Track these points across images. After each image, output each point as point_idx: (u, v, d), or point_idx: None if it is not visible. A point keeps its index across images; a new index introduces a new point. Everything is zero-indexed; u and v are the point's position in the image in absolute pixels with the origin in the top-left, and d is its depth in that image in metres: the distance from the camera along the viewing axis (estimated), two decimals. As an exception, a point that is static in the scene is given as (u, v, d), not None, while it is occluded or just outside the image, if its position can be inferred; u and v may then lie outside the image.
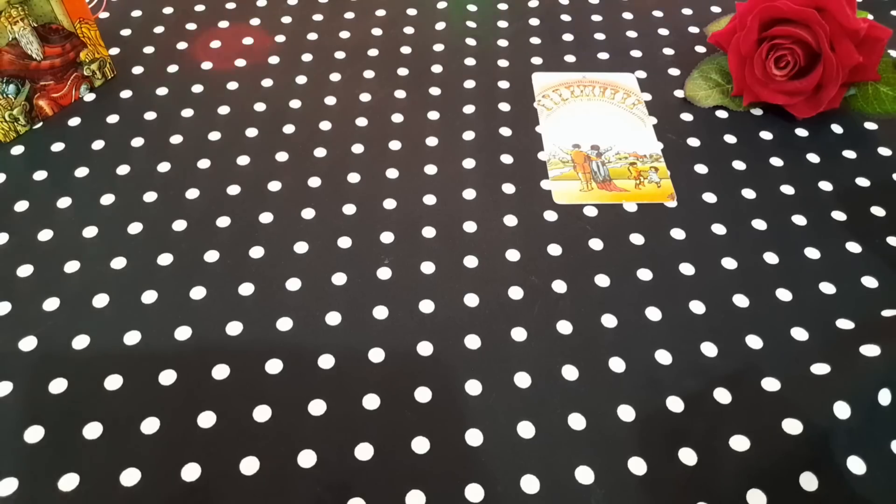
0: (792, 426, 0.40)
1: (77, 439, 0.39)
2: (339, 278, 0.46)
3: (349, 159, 0.54)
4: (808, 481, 0.38)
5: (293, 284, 0.46)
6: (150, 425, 0.40)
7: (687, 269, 0.47)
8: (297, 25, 0.64)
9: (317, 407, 0.41)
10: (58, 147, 0.53)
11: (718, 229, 0.50)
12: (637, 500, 0.38)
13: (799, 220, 0.50)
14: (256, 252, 0.48)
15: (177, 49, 0.62)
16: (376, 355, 0.43)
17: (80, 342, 0.43)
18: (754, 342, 0.44)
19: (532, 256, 0.48)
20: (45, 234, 0.48)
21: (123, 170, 0.52)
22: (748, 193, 0.52)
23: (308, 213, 0.50)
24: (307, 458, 0.39)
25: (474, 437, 0.40)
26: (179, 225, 0.49)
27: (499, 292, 0.46)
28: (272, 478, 0.38)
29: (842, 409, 0.40)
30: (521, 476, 0.38)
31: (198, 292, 0.45)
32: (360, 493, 0.38)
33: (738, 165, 0.54)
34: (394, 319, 0.44)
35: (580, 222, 0.50)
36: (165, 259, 0.47)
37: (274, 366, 0.42)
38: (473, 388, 0.42)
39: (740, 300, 0.46)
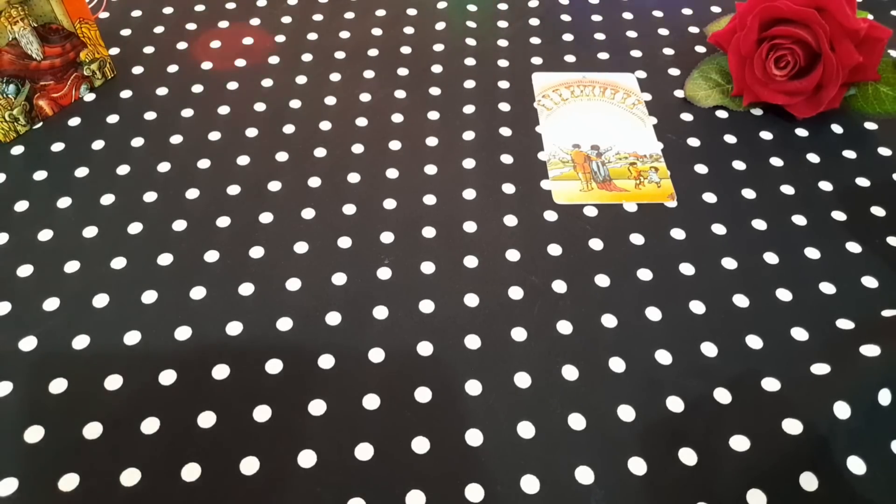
0: (792, 426, 0.40)
1: (77, 439, 0.39)
2: (339, 278, 0.46)
3: (349, 159, 0.54)
4: (808, 481, 0.38)
5: (293, 284, 0.46)
6: (150, 425, 0.40)
7: (687, 269, 0.47)
8: (297, 25, 0.64)
9: (317, 407, 0.41)
10: (58, 147, 0.53)
11: (718, 229, 0.50)
12: (637, 500, 0.38)
13: (799, 220, 0.50)
14: (256, 252, 0.48)
15: (177, 49, 0.62)
16: (376, 355, 0.43)
17: (80, 342, 0.43)
18: (754, 342, 0.44)
19: (532, 256, 0.48)
20: (45, 234, 0.48)
21: (123, 170, 0.52)
22: (748, 193, 0.52)
23: (308, 213, 0.50)
24: (307, 458, 0.39)
25: (474, 437, 0.40)
26: (179, 225, 0.49)
27: (499, 292, 0.46)
28: (272, 478, 0.38)
29: (842, 409, 0.40)
30: (521, 476, 0.38)
31: (198, 292, 0.45)
32: (360, 493, 0.38)
33: (738, 165, 0.54)
34: (394, 319, 0.44)
35: (580, 222, 0.50)
36: (165, 259, 0.47)
37: (274, 366, 0.42)
38: (473, 388, 0.42)
39: (740, 300, 0.46)
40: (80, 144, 0.54)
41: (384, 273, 0.47)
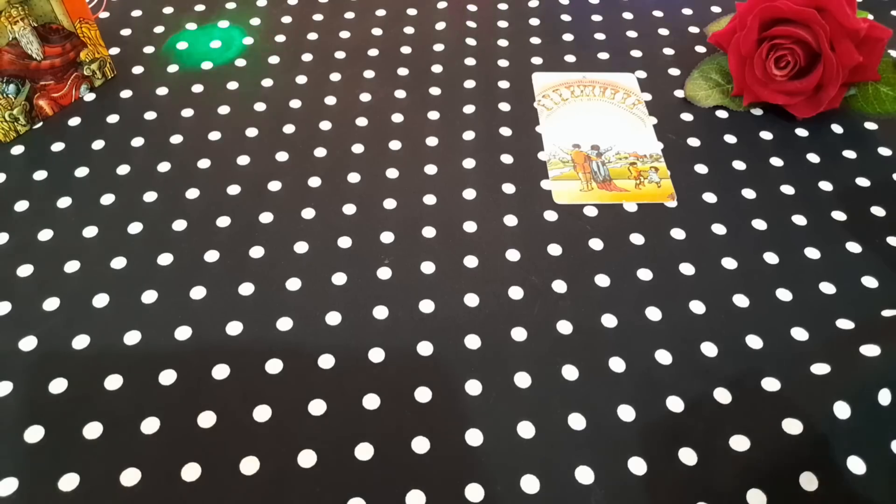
0: (792, 426, 0.40)
1: (77, 439, 0.39)
2: (339, 278, 0.46)
3: (349, 159, 0.54)
4: (808, 481, 0.38)
5: (293, 284, 0.46)
6: (150, 425, 0.40)
7: (687, 269, 0.47)
8: (297, 25, 0.64)
9: (317, 407, 0.41)
10: (58, 147, 0.53)
11: (718, 229, 0.50)
12: (637, 500, 0.38)
13: (799, 220, 0.50)
14: (256, 252, 0.48)
15: (177, 49, 0.62)
16: (376, 355, 0.43)
17: (80, 342, 0.43)
18: (754, 342, 0.44)
19: (532, 256, 0.48)
20: (45, 234, 0.48)
21: (123, 170, 0.52)
22: (748, 193, 0.52)
23: (308, 213, 0.50)
24: (307, 458, 0.39)
25: (474, 437, 0.40)
26: (179, 225, 0.49)
27: (499, 292, 0.46)
28: (272, 478, 0.38)
29: (842, 409, 0.40)
30: (521, 476, 0.38)
31: (198, 292, 0.45)
32: (360, 493, 0.38)
33: (738, 165, 0.54)
34: (394, 319, 0.44)
35: (580, 222, 0.50)
36: (165, 259, 0.47)
37: (274, 366, 0.42)
38: (473, 388, 0.42)
39: (740, 300, 0.46)
40: (80, 144, 0.54)
41: (384, 273, 0.47)
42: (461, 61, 0.62)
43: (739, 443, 0.40)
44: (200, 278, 0.46)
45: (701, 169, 0.54)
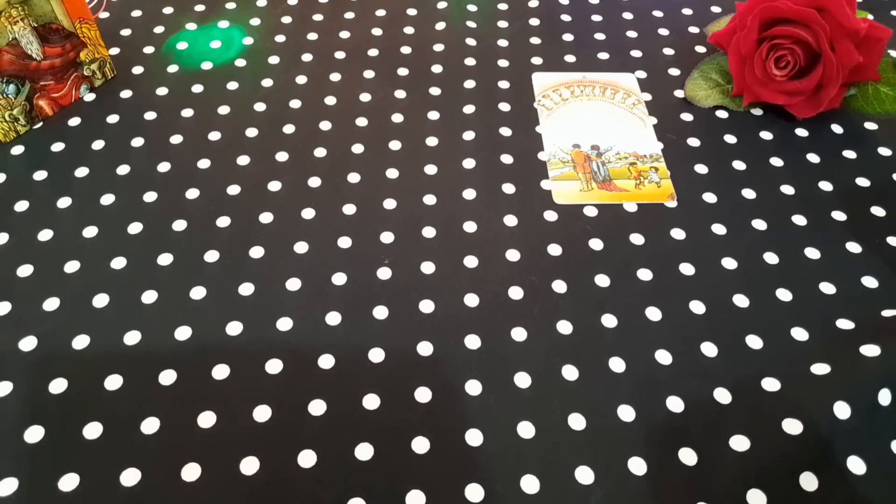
0: (792, 426, 0.40)
1: (77, 439, 0.39)
2: (339, 278, 0.46)
3: (349, 159, 0.54)
4: (808, 481, 0.38)
5: (293, 284, 0.46)
6: (150, 425, 0.40)
7: (687, 269, 0.47)
8: (297, 25, 0.64)
9: (317, 407, 0.41)
10: (58, 147, 0.53)
11: (718, 229, 0.50)
12: (637, 500, 0.38)
13: (799, 220, 0.50)
14: (256, 252, 0.48)
15: (177, 49, 0.62)
16: (376, 355, 0.43)
17: (80, 342, 0.43)
18: (754, 342, 0.44)
19: (532, 256, 0.48)
20: (45, 234, 0.48)
21: (123, 170, 0.52)
22: (748, 193, 0.52)
23: (308, 213, 0.50)
24: (307, 458, 0.39)
25: (474, 437, 0.40)
26: (179, 225, 0.49)
27: (499, 292, 0.46)
28: (272, 478, 0.38)
29: (842, 409, 0.40)
30: (521, 476, 0.38)
31: (198, 292, 0.45)
32: (360, 493, 0.38)
33: (738, 165, 0.54)
34: (394, 319, 0.44)
35: (580, 222, 0.50)
36: (165, 259, 0.47)
37: (274, 366, 0.42)
38: (473, 388, 0.42)
39: (740, 300, 0.46)
40: (80, 144, 0.54)
41: (384, 273, 0.47)
42: (461, 61, 0.62)
43: (739, 443, 0.40)
44: (200, 278, 0.46)
45: (701, 169, 0.54)
